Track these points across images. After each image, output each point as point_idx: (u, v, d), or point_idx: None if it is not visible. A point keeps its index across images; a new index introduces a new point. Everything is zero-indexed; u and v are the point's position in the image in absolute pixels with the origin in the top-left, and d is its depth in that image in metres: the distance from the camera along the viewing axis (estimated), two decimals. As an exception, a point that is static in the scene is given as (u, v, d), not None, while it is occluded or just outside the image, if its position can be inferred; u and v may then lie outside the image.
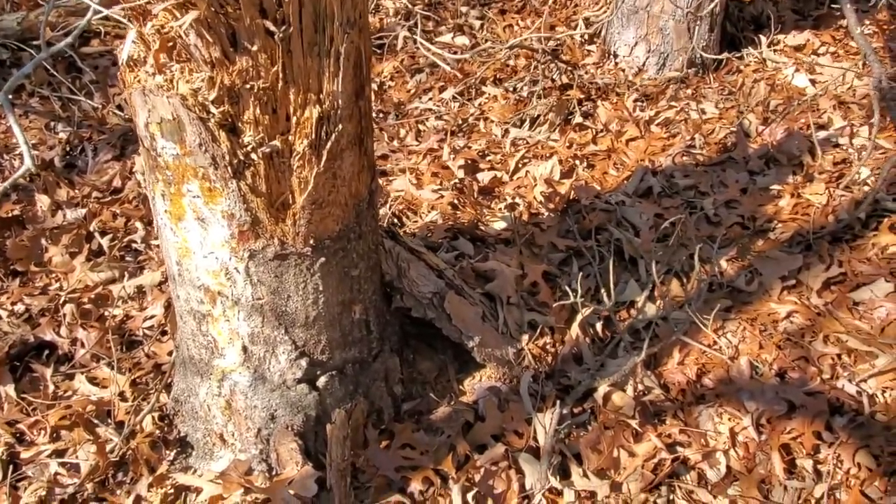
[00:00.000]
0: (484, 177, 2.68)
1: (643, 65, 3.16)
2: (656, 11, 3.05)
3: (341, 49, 1.31)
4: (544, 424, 1.83)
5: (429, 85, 3.26)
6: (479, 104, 3.10)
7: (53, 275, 2.37)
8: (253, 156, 1.34)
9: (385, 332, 1.82)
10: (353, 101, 1.40)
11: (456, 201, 2.51)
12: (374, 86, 3.32)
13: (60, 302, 2.22)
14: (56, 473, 1.81)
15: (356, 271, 1.62)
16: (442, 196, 2.54)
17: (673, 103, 2.96)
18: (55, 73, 3.28)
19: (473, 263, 2.12)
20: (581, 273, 2.26)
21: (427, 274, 1.86)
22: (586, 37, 3.33)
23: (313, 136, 1.36)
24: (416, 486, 1.70)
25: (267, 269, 1.49)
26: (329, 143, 1.38)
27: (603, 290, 2.09)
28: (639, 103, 2.98)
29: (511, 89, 3.14)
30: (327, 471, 1.66)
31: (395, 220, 2.46)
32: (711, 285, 2.26)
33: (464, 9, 3.72)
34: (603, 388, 1.93)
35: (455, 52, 3.46)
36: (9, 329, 2.17)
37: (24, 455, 1.85)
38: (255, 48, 1.26)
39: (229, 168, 1.34)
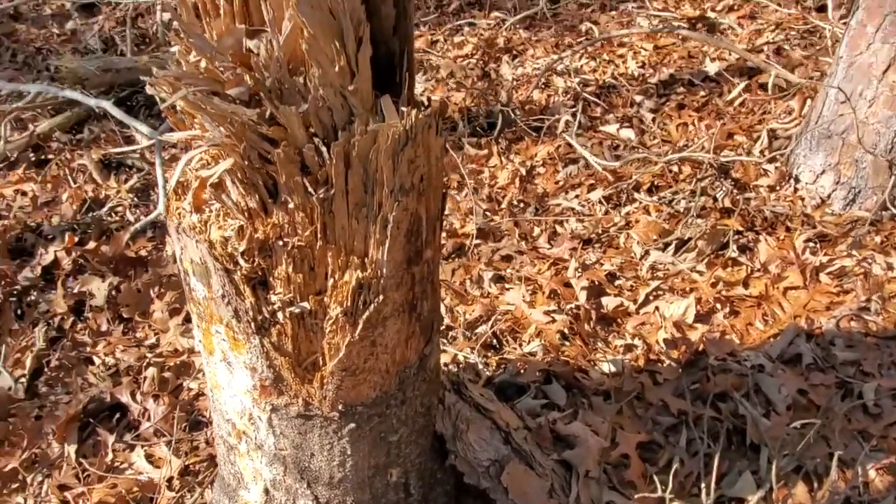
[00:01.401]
0: (608, 303, 2.40)
1: (827, 197, 2.73)
2: (853, 140, 2.62)
3: (390, 217, 1.13)
4: None
5: (579, 181, 3.02)
6: (627, 213, 2.81)
7: (152, 328, 2.39)
8: (280, 315, 1.20)
9: (430, 495, 1.62)
10: (404, 268, 1.22)
11: (567, 330, 2.26)
12: (523, 171, 3.13)
13: (145, 363, 2.22)
14: (83, 556, 1.77)
15: (395, 437, 1.43)
16: (553, 321, 2.30)
17: (854, 252, 2.52)
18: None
19: (555, 424, 1.86)
20: (689, 450, 1.94)
21: (489, 437, 1.64)
22: (766, 152, 2.94)
23: (349, 303, 1.19)
24: None
25: (290, 424, 1.34)
26: (367, 313, 1.20)
27: (710, 483, 1.76)
28: (811, 244, 2.56)
29: (666, 201, 2.83)
30: None
31: (495, 342, 2.25)
32: (849, 500, 1.85)
33: (638, 97, 3.44)
34: None
35: (617, 146, 3.20)
36: (94, 381, 2.19)
37: (63, 526, 1.84)
38: (292, 205, 1.12)
39: (252, 324, 1.21)
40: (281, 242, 1.15)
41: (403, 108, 1.11)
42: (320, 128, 1.09)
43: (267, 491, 1.48)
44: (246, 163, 1.09)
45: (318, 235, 1.14)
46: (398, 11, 1.19)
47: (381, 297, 1.20)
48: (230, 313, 1.21)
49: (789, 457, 1.92)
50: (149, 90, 1.11)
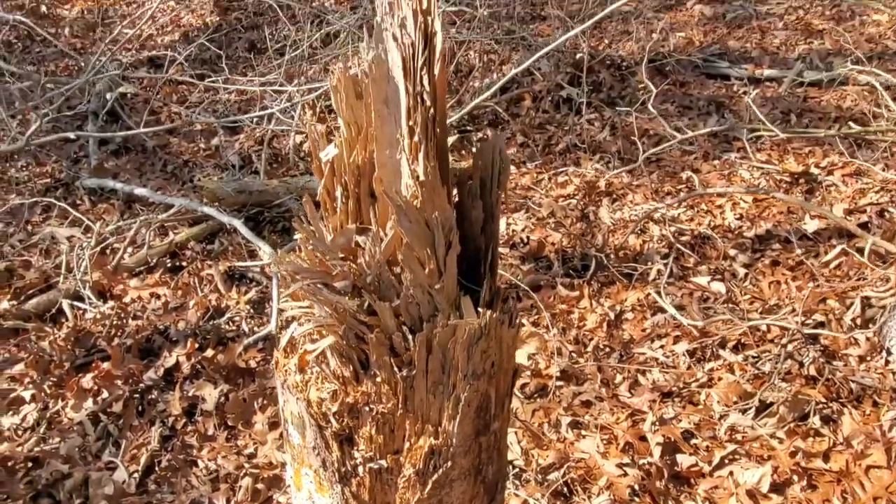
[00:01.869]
0: (682, 461, 2.45)
1: (920, 373, 2.70)
2: (948, 319, 2.61)
3: (462, 396, 1.30)
4: None
5: (665, 331, 3.11)
6: (710, 369, 2.87)
7: (253, 438, 2.62)
8: (360, 469, 1.38)
9: None
10: (472, 438, 1.37)
11: (637, 486, 2.32)
12: (612, 315, 3.25)
13: (243, 473, 2.43)
14: None
15: (454, 586, 1.55)
16: (625, 474, 2.37)
17: (944, 435, 2.47)
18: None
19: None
20: None
21: None
22: (858, 321, 2.95)
23: (421, 465, 1.35)
24: None
25: (360, 564, 1.49)
26: (436, 475, 1.36)
27: None
28: (899, 422, 2.54)
29: (751, 361, 2.87)
30: None
31: (566, 490, 2.34)
32: None
33: (732, 251, 3.53)
34: None
35: (707, 298, 3.27)
36: (196, 484, 2.42)
37: None
38: (379, 378, 1.31)
39: (336, 474, 1.39)
40: (368, 408, 1.34)
41: (480, 309, 1.29)
42: (408, 318, 1.28)
43: None
44: (344, 341, 1.29)
45: (400, 405, 1.33)
46: (486, 215, 1.40)
47: (449, 462, 1.36)
48: (319, 462, 1.39)
49: None
50: (273, 269, 1.34)
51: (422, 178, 1.26)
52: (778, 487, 2.35)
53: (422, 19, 1.19)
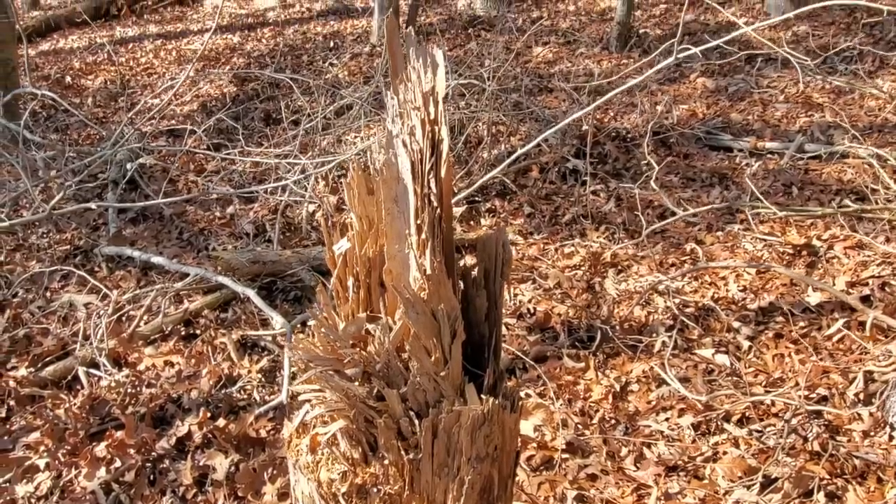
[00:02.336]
0: (688, 540, 2.47)
1: (923, 450, 2.72)
2: (948, 396, 2.65)
3: (466, 479, 1.37)
4: None
5: (670, 403, 3.15)
6: (715, 443, 2.90)
7: (261, 511, 2.66)
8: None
9: None
10: (478, 521, 1.43)
11: (642, 563, 2.34)
12: (617, 387, 3.29)
13: (250, 546, 2.47)
14: None
15: None
16: (630, 551, 2.38)
17: (949, 512, 2.49)
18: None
19: None
20: None
21: None
22: (861, 396, 2.98)
23: (428, 548, 1.41)
24: None
25: None
26: (441, 557, 1.41)
27: None
28: (902, 500, 2.55)
29: (756, 435, 2.90)
30: None
31: (570, 565, 2.35)
32: None
33: (736, 324, 3.58)
34: None
35: (712, 371, 3.32)
36: (205, 557, 2.45)
37: None
38: (387, 461, 1.37)
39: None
40: (376, 489, 1.40)
41: (483, 396, 1.36)
42: (415, 403, 1.36)
43: None
44: (354, 425, 1.36)
45: (407, 486, 1.39)
46: (490, 303, 1.49)
47: (454, 545, 1.41)
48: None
49: None
50: (287, 354, 1.42)
51: (429, 272, 1.35)
52: (783, 566, 2.36)
53: (429, 128, 1.30)
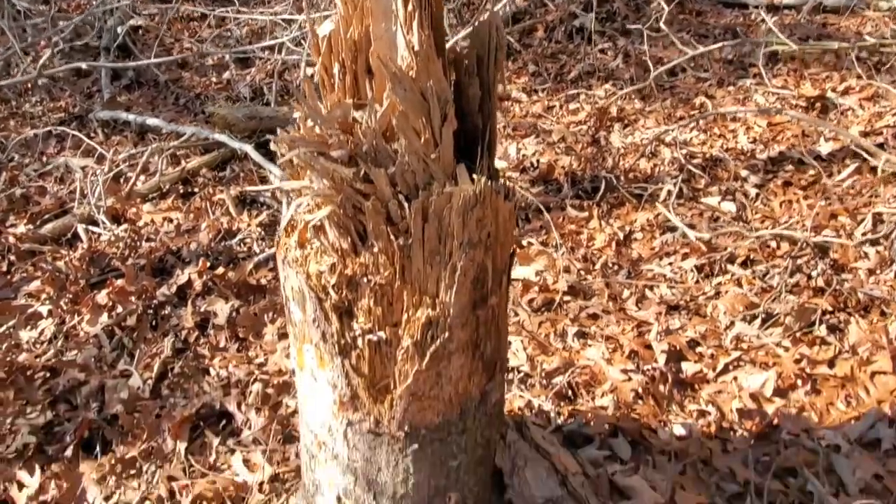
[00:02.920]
0: (687, 368, 2.47)
1: (929, 285, 2.69)
2: (958, 230, 2.59)
3: (458, 265, 1.32)
4: None
5: (674, 248, 3.11)
6: (718, 283, 2.87)
7: (263, 349, 2.67)
8: (360, 341, 1.41)
9: (486, 524, 1.76)
10: (470, 310, 1.40)
11: (641, 390, 2.35)
12: (621, 235, 3.25)
13: (253, 379, 2.49)
14: (181, 542, 2.02)
15: (455, 462, 1.59)
16: (629, 379, 2.39)
17: (950, 343, 2.47)
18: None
19: (614, 475, 1.96)
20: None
21: (545, 477, 1.77)
22: (869, 235, 2.93)
23: (419, 336, 1.38)
24: None
25: (362, 439, 1.54)
26: (433, 346, 1.39)
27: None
28: (905, 332, 2.54)
29: (759, 275, 2.87)
30: None
31: (570, 393, 2.37)
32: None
33: (744, 172, 3.49)
34: None
35: (717, 219, 3.26)
36: (208, 390, 2.48)
37: (168, 513, 2.10)
38: (377, 248, 1.33)
39: (336, 346, 1.42)
40: (366, 279, 1.36)
41: (476, 176, 1.30)
42: (405, 186, 1.30)
43: (339, 499, 1.67)
44: (342, 211, 1.31)
45: (397, 276, 1.35)
46: (483, 92, 1.40)
47: (447, 333, 1.38)
48: (318, 335, 1.42)
49: (854, 540, 1.93)
50: (272, 147, 1.36)
51: (416, 47, 1.27)
52: (781, 392, 2.37)
53: None
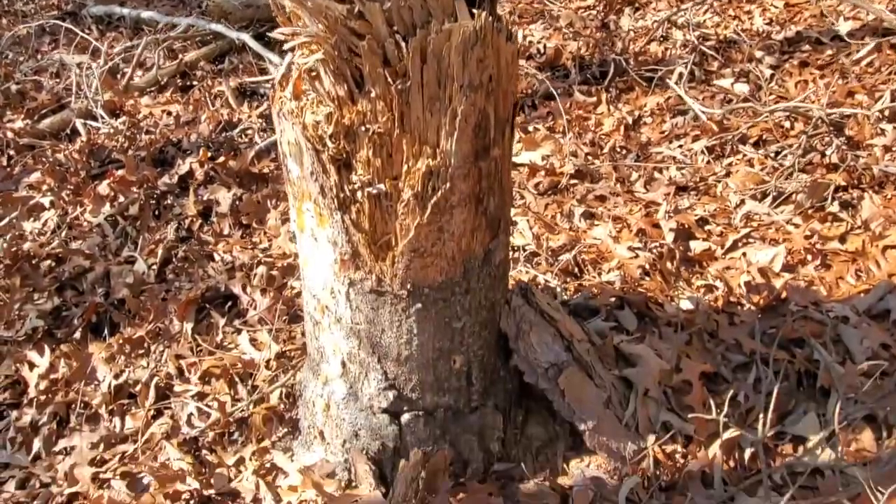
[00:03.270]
0: (695, 246, 2.44)
1: (946, 161, 2.61)
2: (980, 102, 2.50)
3: (458, 110, 1.27)
4: (630, 540, 1.65)
5: (684, 131, 3.03)
6: (729, 164, 2.81)
7: (266, 234, 2.65)
8: (359, 194, 1.37)
9: (492, 388, 1.76)
10: (471, 161, 1.35)
11: (648, 266, 2.32)
12: (630, 119, 3.17)
13: (257, 262, 2.47)
14: (190, 414, 2.04)
15: (459, 324, 1.58)
16: (637, 256, 2.36)
17: (965, 216, 2.42)
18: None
19: (619, 343, 1.95)
20: (756, 388, 1.98)
21: (550, 342, 1.76)
22: (886, 113, 2.84)
23: (420, 188, 1.34)
24: (465, 553, 1.64)
25: (365, 299, 1.52)
26: (434, 198, 1.35)
27: (767, 415, 1.80)
28: (920, 206, 2.48)
29: (772, 155, 2.80)
30: (386, 504, 1.67)
31: (577, 270, 2.35)
32: (917, 452, 1.85)
33: (759, 53, 3.37)
34: (716, 525, 1.69)
35: (730, 100, 3.16)
36: (213, 274, 2.47)
37: (177, 389, 2.11)
38: (374, 94, 1.27)
39: (335, 200, 1.38)
40: (364, 128, 1.31)
41: (476, 11, 1.23)
42: (401, 25, 1.23)
43: (344, 364, 1.67)
44: (336, 53, 1.25)
45: (396, 124, 1.30)
46: (484, -74, 1.31)
47: (448, 184, 1.34)
48: (317, 189, 1.38)
49: (860, 404, 1.92)
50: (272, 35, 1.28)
51: None
52: (791, 267, 2.34)
53: None
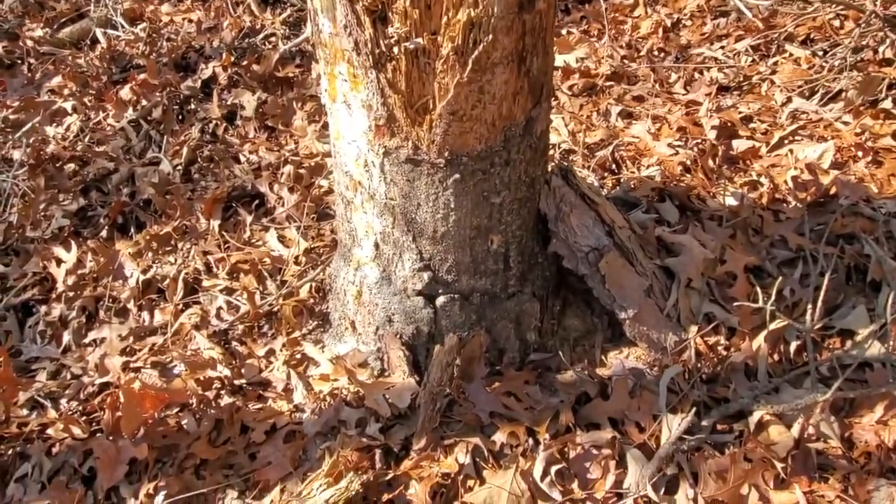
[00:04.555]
0: (739, 145, 2.33)
1: None
2: None
3: (503, -51, 1.17)
4: (671, 426, 1.60)
5: (726, 31, 2.89)
6: (774, 63, 2.67)
7: (293, 137, 2.57)
8: (395, 49, 1.28)
9: (530, 274, 1.70)
10: (515, 12, 1.26)
11: (689, 163, 2.23)
12: (668, 22, 3.02)
13: (283, 161, 2.41)
14: (220, 308, 2.00)
15: (497, 199, 1.51)
16: (677, 153, 2.27)
17: None
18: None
19: (662, 232, 1.87)
20: (802, 283, 1.90)
21: (591, 226, 1.68)
22: (944, 9, 2.67)
23: (460, 41, 1.25)
24: (502, 437, 1.60)
25: (400, 170, 1.45)
26: (476, 53, 1.26)
27: (816, 307, 1.73)
28: (978, 102, 2.35)
29: (820, 53, 2.66)
30: (420, 390, 1.63)
31: (614, 166, 2.26)
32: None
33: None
34: (760, 413, 1.63)
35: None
36: (239, 174, 2.41)
37: (205, 284, 2.08)
38: (412, -68, 1.18)
39: (370, 57, 1.30)
40: (400, -26, 1.22)
41: None
42: None
43: (377, 245, 1.61)
44: None
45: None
46: None
47: (490, 36, 1.25)
48: (351, 45, 1.30)
49: (911, 297, 1.84)
50: None
51: None
52: (840, 165, 2.23)
53: None
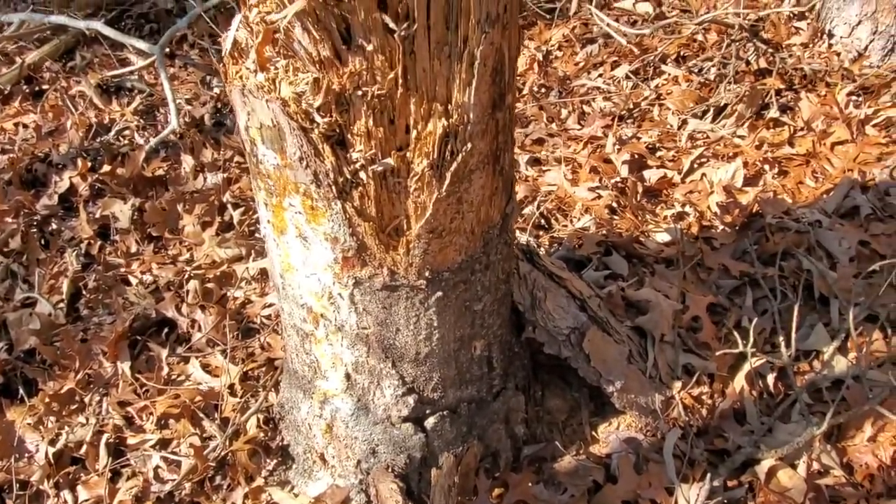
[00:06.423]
0: (651, 175, 2.33)
1: (865, 49, 2.63)
2: (890, -15, 2.51)
3: (476, 52, 1.04)
4: (689, 498, 1.53)
5: (600, 59, 2.91)
6: (656, 86, 2.71)
7: (185, 244, 2.31)
8: (362, 174, 1.12)
9: (510, 368, 1.57)
10: (489, 113, 1.13)
11: (615, 204, 2.19)
12: (540, 55, 3.01)
13: (185, 277, 2.15)
14: (157, 467, 1.73)
15: (479, 305, 1.37)
16: (599, 196, 2.22)
17: (898, 101, 2.44)
18: (216, 25, 3.22)
19: (625, 291, 1.81)
20: (756, 309, 1.90)
21: (566, 305, 1.58)
22: (796, 11, 2.82)
23: (435, 154, 1.11)
24: (526, 555, 1.47)
25: (374, 298, 1.28)
26: (454, 165, 1.12)
27: (782, 336, 1.72)
28: (854, 98, 2.48)
29: (696, 70, 2.72)
30: (426, 523, 1.46)
31: (543, 222, 2.18)
32: (925, 342, 1.82)
33: (652, -30, 3.29)
34: (767, 462, 1.59)
35: (635, 22, 3.07)
36: (135, 300, 2.12)
37: (131, 441, 1.79)
38: (370, 48, 1.02)
39: (333, 187, 1.12)
40: (360, 93, 1.06)
41: (487, -77, 1.00)
42: (397, -46, 0.98)
43: (348, 376, 1.43)
44: (321, 0, 0.98)
45: (399, 82, 1.05)
46: None
47: (468, 145, 1.11)
48: (309, 178, 1.12)
49: (860, 306, 1.88)
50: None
51: None
52: (751, 180, 2.28)
53: None
